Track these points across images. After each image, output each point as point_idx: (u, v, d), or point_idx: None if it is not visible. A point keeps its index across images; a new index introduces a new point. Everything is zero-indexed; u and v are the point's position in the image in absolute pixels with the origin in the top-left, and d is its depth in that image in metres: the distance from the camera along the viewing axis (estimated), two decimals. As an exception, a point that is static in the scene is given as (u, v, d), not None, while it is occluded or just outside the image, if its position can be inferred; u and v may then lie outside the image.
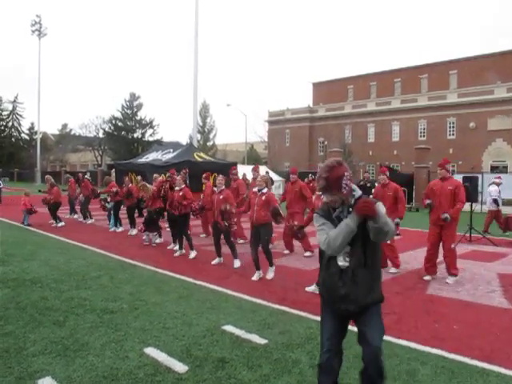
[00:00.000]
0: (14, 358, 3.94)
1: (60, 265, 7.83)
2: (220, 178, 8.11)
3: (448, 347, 4.33)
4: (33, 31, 52.50)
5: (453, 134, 46.38)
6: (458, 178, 22.62)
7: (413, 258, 8.97)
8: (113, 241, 10.76)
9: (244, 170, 17.42)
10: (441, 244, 7.24)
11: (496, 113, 43.03)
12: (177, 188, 9.14)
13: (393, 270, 7.70)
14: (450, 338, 4.60)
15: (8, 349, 4.12)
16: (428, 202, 7.38)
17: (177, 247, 9.34)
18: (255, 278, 7.04)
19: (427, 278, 7.29)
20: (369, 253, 2.91)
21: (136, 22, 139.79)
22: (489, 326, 5.02)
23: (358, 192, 2.98)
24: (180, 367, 3.80)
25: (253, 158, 61.89)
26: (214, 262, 8.19)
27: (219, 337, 4.51)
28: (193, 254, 8.81)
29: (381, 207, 2.82)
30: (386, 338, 4.52)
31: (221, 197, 7.86)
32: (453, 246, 7.23)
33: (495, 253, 9.97)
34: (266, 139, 62.37)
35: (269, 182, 7.63)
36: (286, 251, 9.40)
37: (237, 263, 7.94)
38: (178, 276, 7.18)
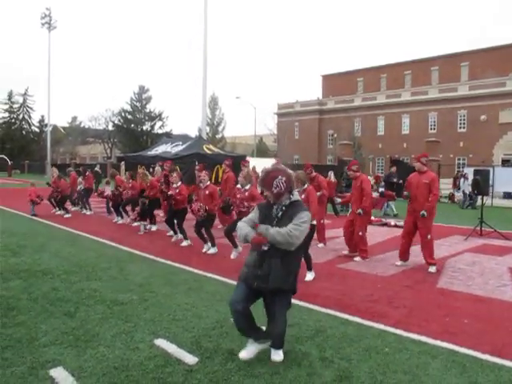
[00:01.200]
0: (26, 347, 3.98)
1: (70, 256, 7.89)
2: (203, 174, 8.71)
3: (459, 341, 4.30)
4: (42, 24, 52.72)
5: (463, 127, 45.97)
6: (469, 171, 22.53)
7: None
8: (122, 232, 10.82)
9: (254, 163, 17.39)
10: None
11: (508, 105, 42.54)
12: (174, 185, 9.39)
13: (432, 269, 7.42)
14: (461, 332, 4.57)
15: (20, 339, 4.17)
16: (405, 193, 7.76)
17: (180, 237, 9.63)
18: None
19: (399, 263, 7.74)
20: (284, 250, 3.62)
21: (145, 14, 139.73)
22: (500, 321, 4.98)
23: (295, 197, 3.81)
24: (190, 359, 3.81)
25: (262, 150, 61.88)
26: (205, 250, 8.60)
27: (229, 329, 4.51)
28: (185, 243, 9.29)
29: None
30: (395, 331, 4.54)
31: (206, 192, 8.39)
32: (429, 236, 7.49)
33: (506, 247, 9.88)
34: (275, 132, 62.24)
35: (251, 177, 7.92)
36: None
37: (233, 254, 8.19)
38: (187, 268, 7.20)
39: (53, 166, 20.73)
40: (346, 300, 5.60)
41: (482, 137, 42.81)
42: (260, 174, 3.88)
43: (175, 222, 9.58)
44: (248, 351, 3.85)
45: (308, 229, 3.76)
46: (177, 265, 7.43)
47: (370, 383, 3.45)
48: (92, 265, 7.24)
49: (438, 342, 4.27)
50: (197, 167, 11.32)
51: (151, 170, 13.65)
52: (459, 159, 44.26)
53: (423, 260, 8.13)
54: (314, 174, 9.41)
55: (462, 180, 22.22)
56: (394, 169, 16.64)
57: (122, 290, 5.85)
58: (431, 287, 6.40)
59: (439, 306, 5.49)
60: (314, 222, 6.55)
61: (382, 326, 4.69)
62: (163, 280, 6.39)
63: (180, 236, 9.59)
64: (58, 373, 3.52)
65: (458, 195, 24.37)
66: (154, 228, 11.44)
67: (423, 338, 4.37)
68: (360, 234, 8.17)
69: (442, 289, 6.32)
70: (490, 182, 14.64)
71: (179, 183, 9.39)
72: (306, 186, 7.00)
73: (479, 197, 13.41)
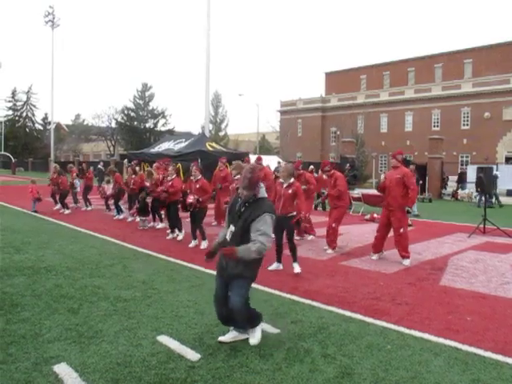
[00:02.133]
0: (30, 343, 4.00)
1: (74, 253, 7.92)
2: (195, 169, 8.93)
3: (461, 339, 4.30)
4: (46, 22, 52.65)
5: (467, 125, 45.79)
6: (472, 168, 22.44)
7: (425, 249, 8.91)
8: (125, 230, 10.85)
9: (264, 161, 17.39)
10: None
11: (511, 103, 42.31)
12: (168, 178, 9.79)
13: (405, 262, 7.63)
14: (464, 330, 4.56)
15: (25, 335, 4.19)
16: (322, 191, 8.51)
17: (176, 234, 9.86)
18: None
19: (374, 257, 7.97)
20: (245, 241, 3.85)
21: (148, 11, 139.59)
22: (503, 318, 4.98)
23: (262, 194, 4.02)
24: (192, 355, 3.83)
25: (265, 147, 61.82)
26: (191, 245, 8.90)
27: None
28: (180, 236, 9.63)
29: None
30: (398, 328, 4.55)
31: (197, 186, 8.68)
32: (401, 230, 7.69)
33: (509, 244, 9.85)
34: (278, 129, 62.17)
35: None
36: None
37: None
38: (190, 265, 7.22)
39: (55, 163, 20.64)
40: (348, 297, 5.61)
41: (485, 134, 42.64)
42: (243, 172, 4.06)
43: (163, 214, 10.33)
44: (226, 336, 4.18)
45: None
46: (179, 262, 7.45)
47: (372, 380, 3.46)
48: (95, 262, 7.27)
49: (441, 340, 4.27)
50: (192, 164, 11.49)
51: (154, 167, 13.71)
52: (462, 156, 44.12)
53: (426, 257, 8.15)
54: (302, 171, 10.09)
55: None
56: (412, 167, 16.14)
57: (125, 286, 5.88)
58: (434, 285, 6.39)
59: (442, 303, 5.49)
60: (303, 214, 7.14)
61: (384, 323, 4.69)
62: (166, 277, 6.42)
63: (176, 233, 9.78)
64: (61, 368, 3.55)
65: (462, 192, 24.30)
66: (159, 226, 11.41)
67: (425, 336, 4.37)
68: (333, 225, 8.53)
69: (445, 286, 6.31)
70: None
71: (174, 176, 9.83)
72: (292, 180, 7.26)
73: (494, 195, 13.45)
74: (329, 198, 8.78)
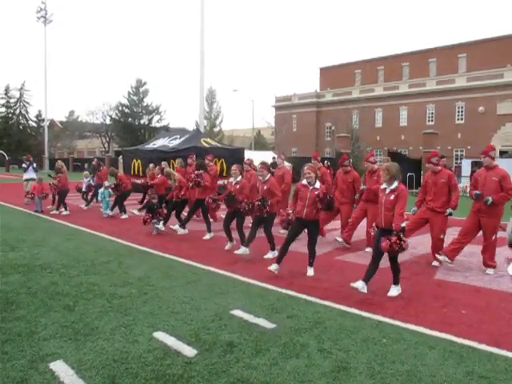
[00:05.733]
0: (26, 341, 4.00)
1: (69, 250, 7.90)
2: (261, 167, 7.62)
3: (456, 332, 4.33)
4: (38, 18, 52.31)
5: (461, 119, 45.92)
6: (467, 162, 22.51)
7: (420, 243, 8.94)
8: (121, 227, 10.82)
9: (252, 156, 17.35)
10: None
11: (505, 97, 42.47)
12: (261, 179, 7.74)
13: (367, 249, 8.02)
14: (459, 323, 4.60)
15: (20, 333, 4.18)
16: (362, 187, 8.39)
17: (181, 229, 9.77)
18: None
19: (368, 249, 8.05)
20: None
21: (142, 6, 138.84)
22: (498, 311, 5.02)
23: None
24: (189, 351, 3.83)
25: (260, 143, 61.77)
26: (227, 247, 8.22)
27: (227, 321, 4.55)
28: (208, 236, 9.32)
29: None
30: (393, 321, 4.57)
31: (265, 187, 7.43)
32: (349, 220, 8.42)
33: (503, 238, 9.88)
34: (273, 125, 62.13)
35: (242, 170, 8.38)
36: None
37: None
38: (186, 261, 7.22)
39: (58, 160, 20.19)
40: (343, 291, 5.63)
41: (479, 128, 42.76)
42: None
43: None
44: None
45: None
46: (175, 258, 7.45)
47: (367, 374, 3.48)
48: (91, 259, 7.26)
49: (436, 333, 4.31)
50: (189, 160, 11.57)
51: (151, 165, 13.70)
52: (457, 151, 44.27)
53: (420, 252, 8.20)
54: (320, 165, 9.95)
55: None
56: (444, 160, 14.97)
57: (120, 283, 5.87)
58: (429, 278, 6.43)
59: (436, 297, 5.52)
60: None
61: (379, 317, 4.72)
62: (162, 273, 6.41)
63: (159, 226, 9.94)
64: (57, 366, 3.55)
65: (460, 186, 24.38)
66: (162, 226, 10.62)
67: (421, 329, 4.40)
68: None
69: (440, 280, 6.35)
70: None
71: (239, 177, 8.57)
72: (268, 176, 7.33)
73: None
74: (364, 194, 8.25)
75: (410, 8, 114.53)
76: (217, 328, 4.35)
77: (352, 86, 56.48)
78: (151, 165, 13.90)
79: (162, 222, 10.11)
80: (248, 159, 10.67)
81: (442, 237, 7.17)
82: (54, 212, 13.05)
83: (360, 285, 5.42)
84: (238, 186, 7.83)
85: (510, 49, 43.51)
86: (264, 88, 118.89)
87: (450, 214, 7.19)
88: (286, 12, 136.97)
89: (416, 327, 4.45)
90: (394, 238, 5.16)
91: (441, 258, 7.07)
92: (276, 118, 61.92)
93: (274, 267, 6.26)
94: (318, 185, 6.36)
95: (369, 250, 7.98)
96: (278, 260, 6.38)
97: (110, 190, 12.68)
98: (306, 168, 6.49)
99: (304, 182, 6.42)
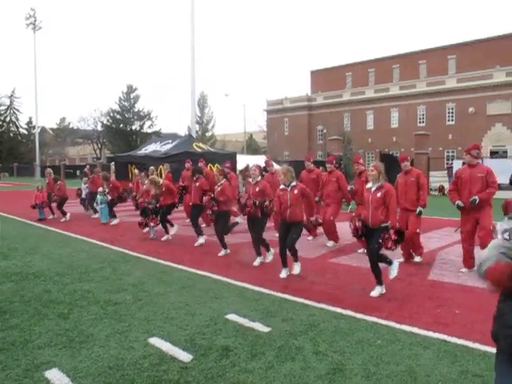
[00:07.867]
0: (20, 350, 3.97)
1: (62, 258, 7.86)
2: (254, 169, 7.48)
3: (450, 331, 4.36)
4: (27, 25, 52.02)
5: (452, 120, 46.28)
6: (458, 163, 22.63)
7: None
8: (113, 233, 10.78)
9: (246, 161, 17.35)
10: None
11: (495, 97, 42.87)
12: (251, 180, 7.61)
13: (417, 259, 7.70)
14: (453, 323, 4.63)
15: (14, 341, 4.16)
16: (350, 187, 8.98)
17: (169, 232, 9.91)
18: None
19: (360, 250, 8.05)
20: None
21: (132, 12, 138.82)
22: (490, 310, 5.01)
23: None
24: (184, 356, 3.83)
25: (252, 147, 61.84)
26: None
27: (223, 326, 4.55)
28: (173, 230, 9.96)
29: None
30: (387, 323, 4.60)
31: (257, 189, 7.26)
32: (332, 217, 8.88)
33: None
34: (265, 128, 62.23)
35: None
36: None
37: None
38: (180, 266, 7.21)
39: (47, 167, 19.81)
40: (338, 294, 5.65)
41: (470, 129, 43.08)
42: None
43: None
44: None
45: None
46: (169, 264, 7.43)
47: (363, 375, 3.50)
48: (84, 266, 7.22)
49: (430, 333, 4.33)
50: (187, 165, 11.53)
51: (136, 171, 13.72)
52: (448, 152, 44.55)
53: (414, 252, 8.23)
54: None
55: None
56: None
57: (115, 290, 5.85)
58: (422, 279, 6.47)
59: (430, 297, 5.55)
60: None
61: (374, 319, 4.74)
62: (156, 279, 6.40)
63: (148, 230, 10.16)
64: (53, 374, 3.53)
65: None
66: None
67: (415, 330, 4.43)
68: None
69: (433, 280, 6.39)
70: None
71: (223, 180, 8.41)
72: (259, 178, 7.41)
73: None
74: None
75: (400, 11, 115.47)
76: (212, 333, 4.35)
77: (343, 88, 56.75)
78: (136, 170, 13.90)
79: (173, 229, 10.12)
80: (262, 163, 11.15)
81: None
82: (64, 219, 13.05)
83: (378, 289, 5.63)
84: (257, 189, 7.27)
85: (498, 50, 43.99)
86: (256, 92, 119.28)
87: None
88: (277, 16, 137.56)
89: (410, 328, 4.47)
90: (393, 236, 5.35)
91: (417, 259, 7.64)
92: (268, 121, 62.04)
93: (283, 273, 6.58)
94: (294, 183, 6.65)
95: (361, 251, 8.00)
96: (284, 264, 6.60)
97: (106, 196, 12.65)
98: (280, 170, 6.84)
99: (282, 186, 6.72)
